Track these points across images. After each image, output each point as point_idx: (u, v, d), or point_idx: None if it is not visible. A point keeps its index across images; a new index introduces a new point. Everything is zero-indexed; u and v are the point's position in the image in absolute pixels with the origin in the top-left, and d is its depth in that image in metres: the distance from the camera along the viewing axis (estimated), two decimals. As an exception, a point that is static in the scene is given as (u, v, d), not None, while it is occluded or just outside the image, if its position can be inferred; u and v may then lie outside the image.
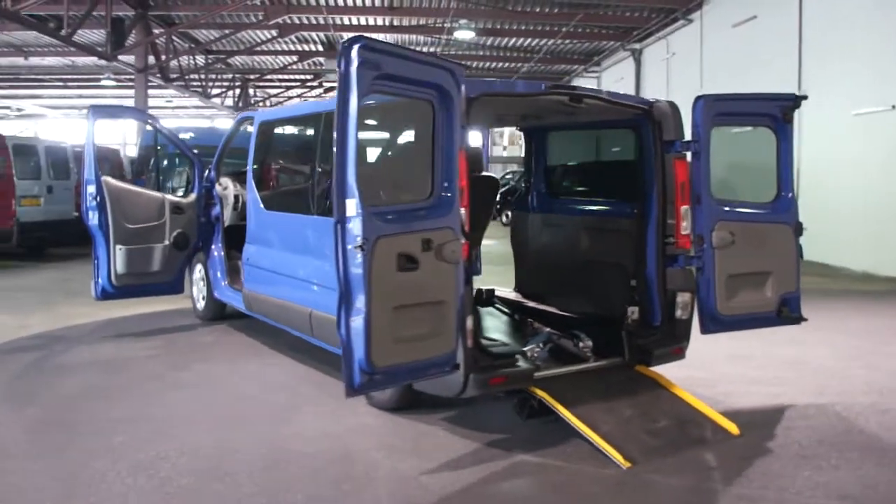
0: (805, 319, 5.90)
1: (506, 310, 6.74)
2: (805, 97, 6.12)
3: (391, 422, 5.23)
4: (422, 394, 5.18)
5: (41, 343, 7.55)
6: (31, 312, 9.02)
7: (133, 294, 7.88)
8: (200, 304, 8.66)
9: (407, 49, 4.50)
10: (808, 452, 4.70)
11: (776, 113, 5.78)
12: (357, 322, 4.01)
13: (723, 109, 5.63)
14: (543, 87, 5.33)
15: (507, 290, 7.26)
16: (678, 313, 5.63)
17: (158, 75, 22.39)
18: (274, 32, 22.87)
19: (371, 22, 22.56)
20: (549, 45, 23.90)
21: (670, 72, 21.43)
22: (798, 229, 5.80)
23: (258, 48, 24.92)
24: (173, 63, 23.30)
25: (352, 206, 4.03)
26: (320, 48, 26.35)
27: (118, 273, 7.57)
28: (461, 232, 4.56)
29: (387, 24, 22.45)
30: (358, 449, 4.75)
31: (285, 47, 26.02)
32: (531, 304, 6.74)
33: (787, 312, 5.79)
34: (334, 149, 4.07)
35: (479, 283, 5.92)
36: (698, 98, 5.48)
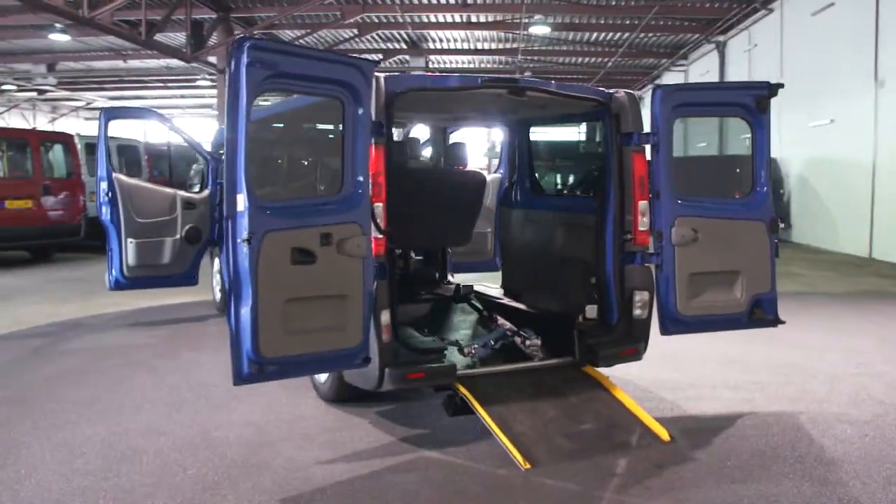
0: (782, 322, 5.59)
1: (478, 306, 6.69)
2: (781, 85, 5.79)
3: (326, 413, 5.31)
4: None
5: (57, 330, 8.05)
6: (68, 301, 9.61)
7: (145, 285, 8.26)
8: (217, 296, 8.98)
9: (307, 48, 4.57)
10: (731, 463, 4.47)
11: (749, 103, 5.48)
12: (245, 313, 4.08)
13: (685, 100, 5.40)
14: (479, 81, 5.26)
15: (494, 287, 7.20)
16: (636, 313, 5.44)
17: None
18: (354, 31, 23.31)
19: (449, 19, 22.67)
20: (631, 38, 23.33)
21: (752, 64, 20.55)
22: (773, 226, 5.48)
23: (339, 46, 25.41)
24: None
25: (241, 202, 4.11)
26: (404, 46, 26.66)
27: (129, 265, 7.95)
28: (376, 228, 4.57)
29: (462, 20, 22.49)
30: (275, 438, 4.86)
31: (369, 46, 26.45)
32: (504, 300, 6.66)
33: (760, 314, 5.49)
34: (226, 146, 4.17)
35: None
36: (656, 88, 5.29)
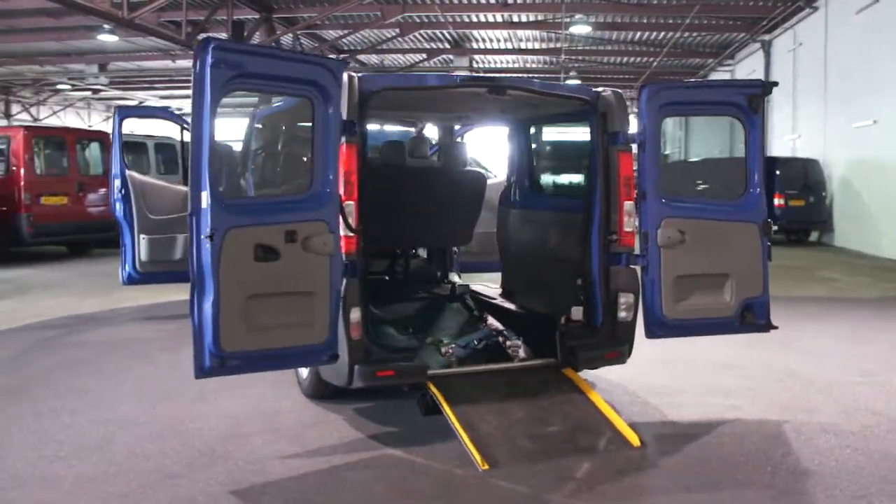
0: (775, 327, 5.47)
1: (471, 306, 6.68)
2: (775, 83, 5.66)
3: (305, 409, 5.37)
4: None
5: (72, 322, 8.29)
6: (90, 295, 9.89)
7: (158, 280, 8.44)
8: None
9: (274, 48, 4.63)
10: (696, 471, 4.38)
11: (741, 101, 5.35)
12: (207, 308, 4.16)
13: (672, 99, 5.30)
14: (458, 80, 5.25)
15: (494, 287, 7.18)
16: (621, 315, 5.38)
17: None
18: (396, 31, 23.44)
19: (490, 18, 22.63)
20: (674, 38, 22.98)
21: (797, 63, 20.05)
22: (766, 228, 5.36)
23: (382, 46, 25.58)
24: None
25: (204, 199, 4.19)
26: (447, 46, 26.70)
27: (142, 260, 8.16)
28: (346, 226, 4.61)
29: (502, 20, 22.44)
30: (247, 431, 4.94)
31: (412, 45, 26.56)
32: (497, 300, 6.64)
33: (750, 319, 5.39)
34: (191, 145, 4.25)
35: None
36: (642, 87, 5.22)
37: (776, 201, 17.20)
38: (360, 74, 4.96)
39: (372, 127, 7.79)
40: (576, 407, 5.00)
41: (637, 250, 5.27)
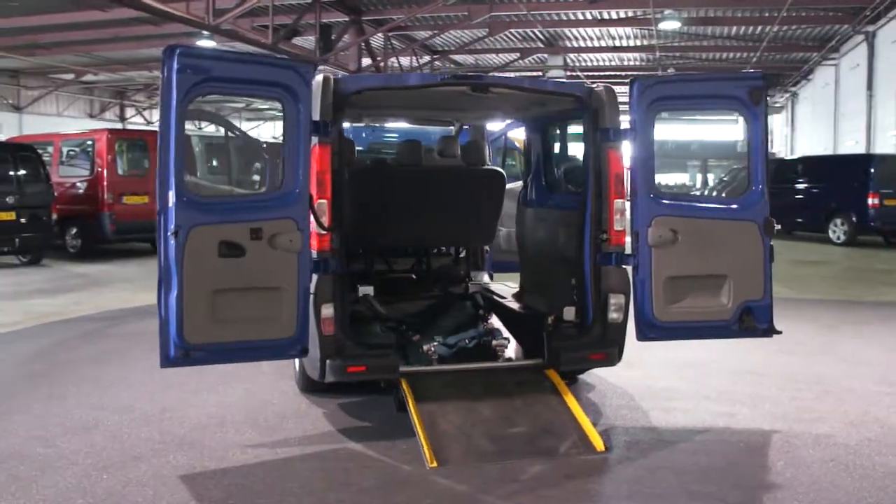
0: (778, 332, 5.23)
1: (481, 304, 6.68)
2: (777, 76, 5.43)
3: (292, 401, 5.54)
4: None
5: (120, 315, 8.81)
6: (149, 290, 10.37)
7: None
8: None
9: (241, 53, 4.78)
10: (652, 479, 4.26)
11: (741, 95, 5.15)
12: (171, 301, 4.38)
13: (665, 93, 5.16)
14: (440, 78, 5.28)
15: (513, 286, 7.15)
16: (611, 316, 5.27)
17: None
18: (485, 31, 23.49)
19: (580, 16, 22.35)
20: (771, 31, 22.03)
21: (902, 55, 18.90)
22: (768, 228, 5.13)
23: (472, 46, 25.68)
24: (393, 63, 24.83)
25: (171, 197, 4.40)
26: (540, 45, 26.54)
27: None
28: (318, 224, 4.73)
29: (591, 17, 22.11)
30: (226, 420, 5.15)
31: (504, 45, 26.54)
32: (505, 299, 6.62)
33: (750, 322, 5.16)
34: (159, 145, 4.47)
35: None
36: (632, 81, 5.10)
37: (870, 201, 16.26)
38: (339, 75, 5.07)
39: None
40: (547, 408, 4.95)
41: (629, 250, 5.17)
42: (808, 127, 27.35)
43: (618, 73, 29.64)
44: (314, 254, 4.75)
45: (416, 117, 7.52)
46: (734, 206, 5.33)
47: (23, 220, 12.64)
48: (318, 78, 4.96)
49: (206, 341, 4.45)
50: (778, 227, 5.30)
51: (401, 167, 6.56)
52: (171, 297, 4.36)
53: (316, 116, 4.78)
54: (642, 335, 5.12)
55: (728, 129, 42.56)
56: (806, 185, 18.85)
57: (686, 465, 4.47)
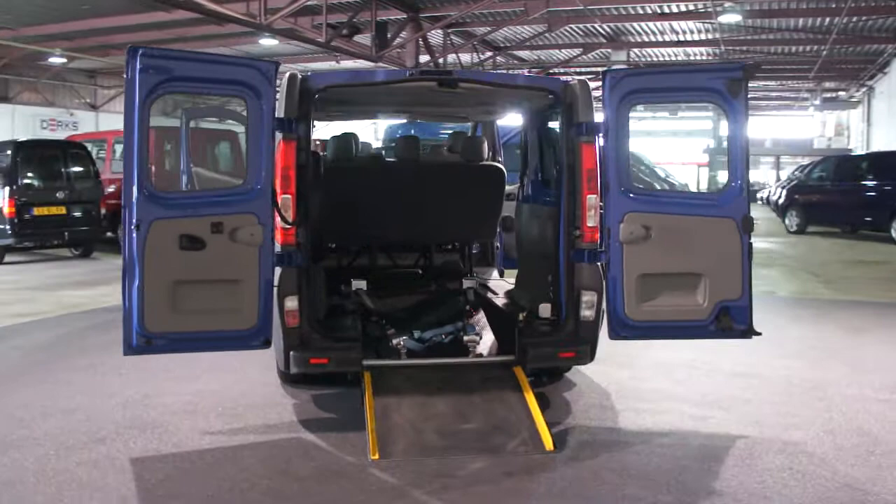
0: (757, 333, 5.08)
1: (471, 300, 6.69)
2: (758, 66, 5.24)
3: (271, 391, 5.69)
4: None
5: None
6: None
7: None
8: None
9: (204, 53, 4.93)
10: (591, 482, 4.22)
11: (720, 87, 5.01)
12: (133, 291, 4.58)
13: (639, 86, 5.07)
14: (407, 74, 5.32)
15: (511, 283, 7.15)
16: (583, 314, 5.24)
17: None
18: (544, 26, 23.35)
19: (640, 10, 21.97)
20: (841, 23, 21.18)
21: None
22: (746, 225, 5.00)
23: (531, 41, 25.54)
24: (453, 59, 24.92)
25: (135, 193, 4.60)
26: (602, 40, 26.20)
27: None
28: (281, 219, 4.86)
29: (649, 11, 21.70)
30: (200, 407, 5.35)
31: (565, 40, 26.29)
32: (495, 296, 6.62)
33: (727, 323, 5.04)
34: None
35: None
36: (604, 73, 5.06)
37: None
38: (307, 74, 5.18)
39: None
40: (504, 406, 4.95)
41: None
42: (885, 122, 26.17)
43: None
44: (278, 247, 4.88)
45: (395, 113, 7.60)
46: (711, 203, 5.23)
47: (73, 215, 13.26)
48: (286, 76, 5.09)
49: (167, 330, 4.64)
50: (757, 221, 5.16)
51: (396, 162, 6.65)
52: (134, 287, 4.55)
53: (282, 113, 4.91)
54: (614, 333, 5.06)
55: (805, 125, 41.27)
56: (872, 183, 18.13)
57: (632, 468, 4.42)
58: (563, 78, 5.47)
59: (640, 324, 5.03)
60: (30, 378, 6.09)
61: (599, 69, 30.87)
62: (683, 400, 5.67)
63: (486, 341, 5.98)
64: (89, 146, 14.95)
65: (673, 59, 28.04)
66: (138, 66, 4.53)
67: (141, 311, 4.55)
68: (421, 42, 22.94)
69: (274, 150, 4.83)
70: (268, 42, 23.88)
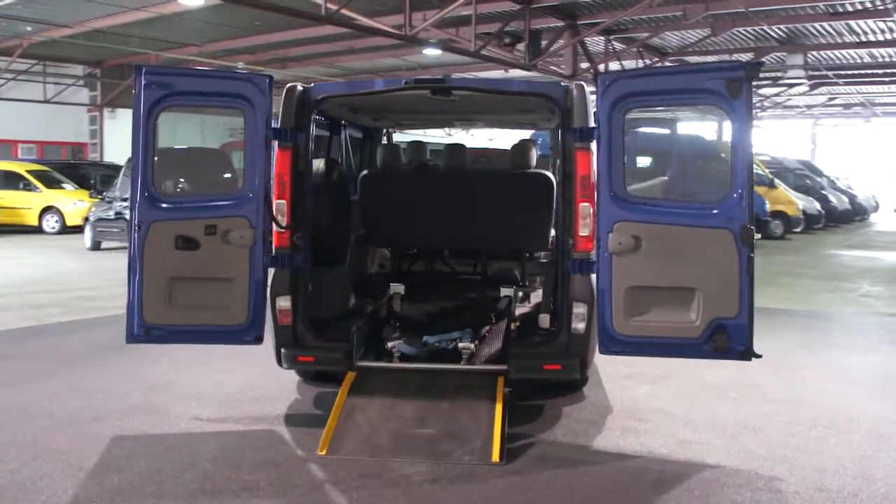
0: (757, 356, 4.74)
1: (502, 308, 6.68)
2: (761, 64, 4.88)
3: (276, 384, 6.04)
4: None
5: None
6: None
7: None
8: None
9: (203, 69, 5.36)
10: (508, 495, 4.21)
11: (719, 89, 4.73)
12: (135, 285, 5.10)
13: (633, 89, 4.89)
14: (403, 82, 5.47)
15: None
16: (574, 326, 5.17)
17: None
18: (707, 31, 22.45)
19: (809, 10, 20.56)
20: None
21: None
22: (746, 237, 4.69)
23: (694, 46, 24.58)
24: (615, 66, 24.52)
25: (138, 196, 5.12)
26: (775, 43, 24.73)
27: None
28: (275, 223, 5.22)
29: (821, 11, 20.26)
30: (209, 396, 5.81)
31: (735, 45, 25.05)
32: (522, 305, 6.60)
33: (723, 343, 4.76)
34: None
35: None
36: (596, 76, 4.97)
37: None
38: (308, 84, 5.50)
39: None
40: (469, 414, 4.98)
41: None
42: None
43: (873, 72, 26.85)
44: (273, 249, 5.24)
45: (409, 121, 7.75)
46: (707, 213, 4.90)
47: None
48: (287, 87, 5.45)
49: (164, 322, 5.11)
50: (758, 236, 4.85)
51: (441, 170, 6.83)
52: (135, 281, 5.07)
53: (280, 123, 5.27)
54: (604, 348, 4.93)
55: None
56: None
57: (572, 486, 4.34)
58: (564, 83, 5.37)
59: (629, 339, 4.86)
60: (93, 361, 6.82)
61: (772, 74, 29.30)
62: (686, 423, 5.41)
63: (492, 349, 6.00)
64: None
65: (857, 61, 25.96)
66: (143, 83, 5.04)
67: (140, 303, 5.04)
68: (580, 49, 22.78)
69: (269, 157, 5.19)
70: (432, 52, 24.65)
